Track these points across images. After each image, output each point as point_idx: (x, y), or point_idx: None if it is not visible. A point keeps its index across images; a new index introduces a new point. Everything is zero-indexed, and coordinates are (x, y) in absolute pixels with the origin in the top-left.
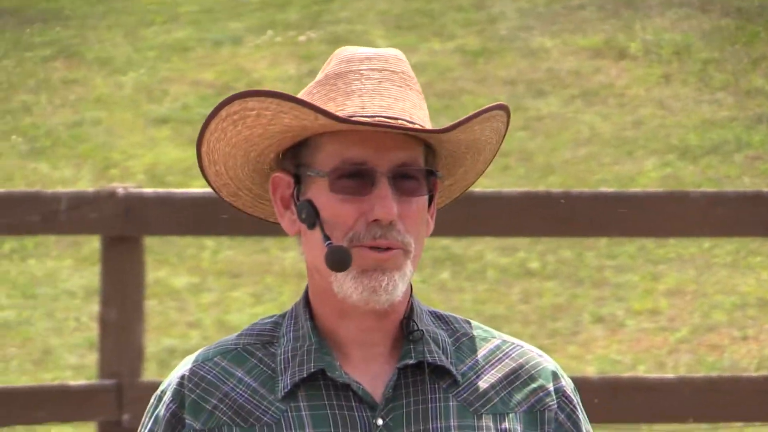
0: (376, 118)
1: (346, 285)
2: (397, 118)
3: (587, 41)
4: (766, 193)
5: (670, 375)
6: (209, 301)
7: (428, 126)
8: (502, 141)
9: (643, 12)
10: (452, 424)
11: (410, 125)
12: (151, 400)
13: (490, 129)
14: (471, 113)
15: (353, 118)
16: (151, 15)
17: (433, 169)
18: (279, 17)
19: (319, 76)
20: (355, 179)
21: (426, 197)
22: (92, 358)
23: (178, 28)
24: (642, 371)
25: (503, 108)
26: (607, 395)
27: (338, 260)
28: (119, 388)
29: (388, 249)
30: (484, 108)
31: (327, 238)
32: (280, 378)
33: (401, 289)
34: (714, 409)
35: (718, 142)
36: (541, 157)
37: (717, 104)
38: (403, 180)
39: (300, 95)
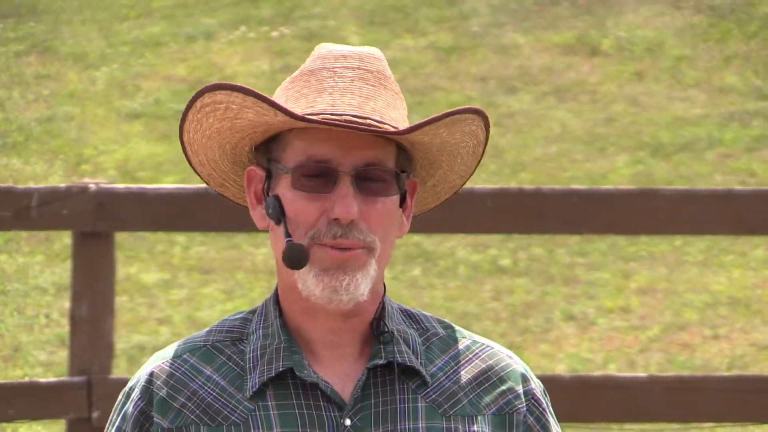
0: (344, 117)
1: (308, 282)
2: (365, 117)
3: (559, 38)
4: (737, 191)
5: (641, 374)
6: (180, 297)
7: (402, 126)
8: (484, 145)
9: (615, 9)
10: (420, 425)
11: (377, 125)
12: (120, 397)
13: (460, 132)
14: (433, 116)
15: (319, 116)
16: (125, 10)
17: (399, 170)
18: (252, 13)
19: (296, 72)
20: (319, 177)
21: (395, 197)
22: (62, 355)
23: (151, 23)
24: (613, 370)
25: (475, 111)
26: (578, 394)
27: (294, 258)
28: (89, 385)
29: (348, 248)
30: (446, 112)
31: (288, 234)
32: (248, 376)
33: (364, 289)
34: (685, 409)
35: (690, 139)
36: (513, 153)
37: (689, 101)
38: (367, 180)
39: (277, 91)
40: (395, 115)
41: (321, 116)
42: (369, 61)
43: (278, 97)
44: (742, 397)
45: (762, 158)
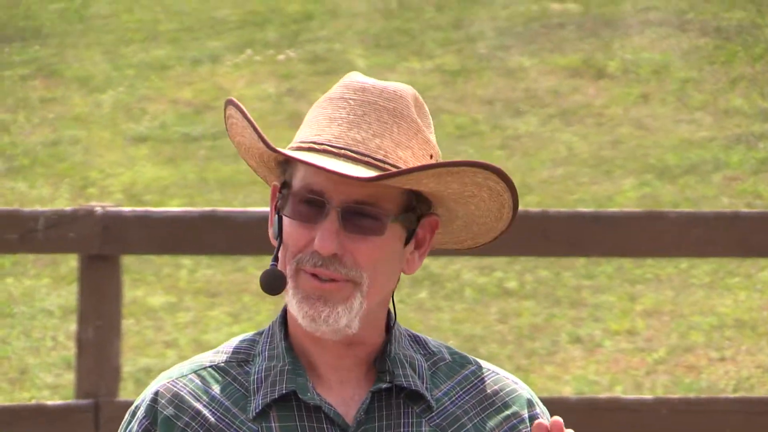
0: (343, 151)
1: (293, 307)
2: (365, 155)
3: (565, 60)
4: (743, 214)
5: (647, 396)
6: (186, 320)
7: (413, 165)
8: (512, 209)
9: (621, 31)
10: None
11: (376, 163)
12: (126, 416)
13: (458, 183)
14: (412, 167)
15: (320, 146)
16: (131, 33)
17: (405, 209)
18: (258, 36)
19: (322, 96)
20: (311, 207)
21: (384, 238)
22: (69, 378)
23: (157, 46)
24: (619, 392)
25: (467, 164)
26: (585, 416)
27: (269, 283)
28: (96, 408)
29: (331, 280)
30: (425, 164)
31: (275, 258)
32: (252, 398)
33: (347, 321)
34: (691, 430)
35: (696, 162)
36: (519, 176)
37: (695, 124)
38: (356, 216)
39: (310, 109)
40: (405, 155)
41: (322, 146)
42: (389, 98)
43: (306, 117)
44: (749, 419)
45: None
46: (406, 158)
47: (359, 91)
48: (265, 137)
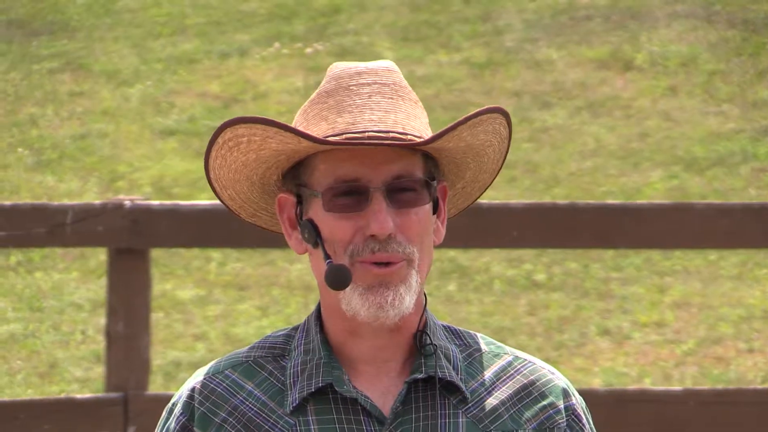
0: (366, 133)
1: (354, 302)
2: (387, 131)
3: (593, 53)
4: None
5: (676, 387)
6: (215, 313)
7: (425, 134)
8: (508, 142)
9: (649, 23)
10: None
11: (400, 137)
12: (163, 413)
13: (484, 132)
14: (455, 122)
15: (341, 136)
16: (159, 27)
17: (430, 178)
18: (286, 29)
19: (314, 94)
20: (350, 196)
21: (428, 206)
22: (98, 371)
23: (185, 40)
24: (648, 383)
25: (494, 110)
26: (614, 408)
27: (337, 279)
28: (125, 401)
29: (389, 264)
30: (466, 116)
31: (327, 256)
32: (289, 392)
33: (408, 302)
34: (720, 422)
35: (724, 154)
36: (547, 168)
37: (723, 116)
38: (399, 192)
39: (297, 115)
40: (417, 125)
41: (343, 136)
42: (384, 75)
43: (298, 121)
44: None
45: None
46: (419, 127)
47: (354, 76)
48: (309, 133)
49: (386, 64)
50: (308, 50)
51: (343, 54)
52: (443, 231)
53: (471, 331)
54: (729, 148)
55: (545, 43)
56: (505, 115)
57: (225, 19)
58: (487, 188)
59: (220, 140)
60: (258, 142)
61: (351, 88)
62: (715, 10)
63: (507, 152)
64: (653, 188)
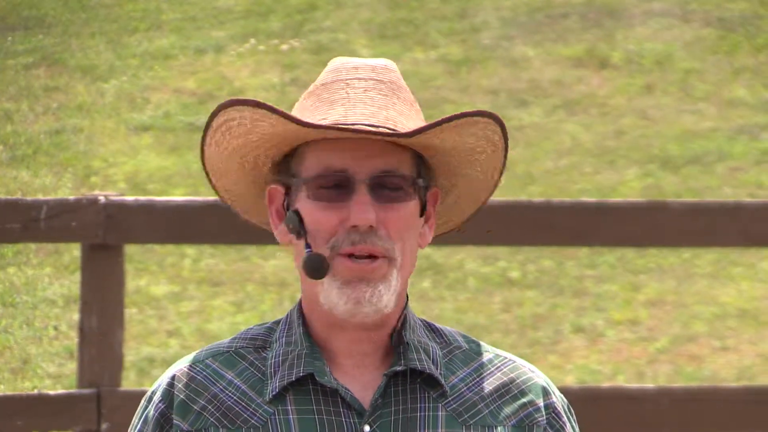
0: (356, 126)
1: (332, 296)
2: (378, 126)
3: (569, 51)
4: (746, 204)
5: (649, 385)
6: (189, 309)
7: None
8: (504, 151)
9: (625, 21)
10: None
11: (391, 133)
12: (142, 401)
13: (473, 136)
14: (444, 117)
15: (329, 126)
16: (134, 23)
17: (416, 176)
18: (261, 26)
19: (312, 85)
20: (335, 187)
21: (412, 204)
22: (71, 367)
23: (160, 36)
24: (622, 381)
25: (485, 114)
26: (587, 405)
27: (314, 267)
28: (98, 397)
29: (370, 258)
30: (455, 114)
31: (308, 246)
32: (269, 381)
33: (387, 300)
34: (694, 420)
35: (700, 152)
36: (523, 166)
37: (698, 114)
38: (384, 187)
39: (295, 106)
40: (409, 124)
41: (334, 126)
42: (381, 72)
43: (294, 112)
44: (750, 409)
45: None
46: (411, 126)
47: (352, 70)
48: (295, 116)
49: (385, 62)
50: (284, 47)
51: (319, 51)
52: (430, 237)
53: (451, 329)
54: (704, 146)
55: (521, 41)
56: (500, 123)
57: (201, 15)
58: (483, 203)
59: (214, 124)
60: (248, 126)
61: (348, 81)
62: (691, 9)
63: (504, 165)
64: (628, 186)
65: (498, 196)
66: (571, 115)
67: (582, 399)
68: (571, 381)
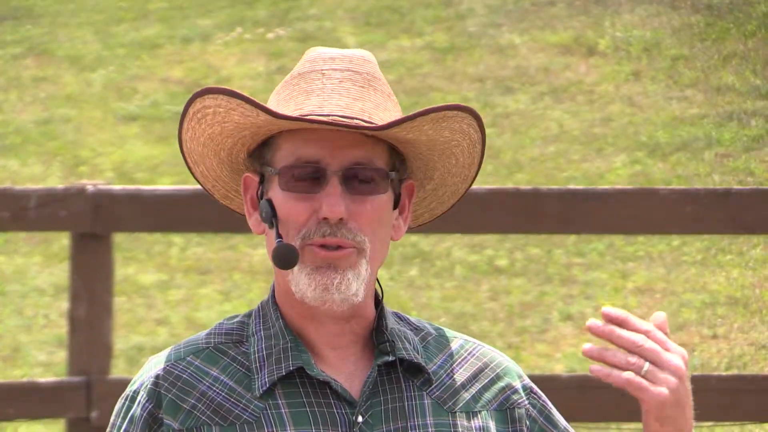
0: (330, 117)
1: (301, 283)
2: (352, 118)
3: (556, 38)
4: (735, 191)
5: None
6: (177, 298)
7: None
8: (480, 145)
9: (612, 8)
10: (429, 421)
11: (365, 125)
12: (121, 401)
13: (448, 130)
14: (416, 111)
15: (304, 117)
16: (121, 12)
17: (392, 170)
18: (248, 14)
19: (288, 75)
20: (307, 177)
21: (384, 197)
22: (61, 355)
23: (147, 25)
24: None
25: (460, 108)
26: (576, 393)
27: (283, 258)
28: (88, 385)
29: (339, 248)
30: (428, 108)
31: (279, 235)
32: (256, 376)
33: (355, 288)
34: None
35: (688, 139)
36: (510, 153)
37: (687, 101)
38: (356, 179)
39: (271, 95)
40: (385, 116)
41: (308, 117)
42: (358, 63)
43: (270, 101)
44: (741, 397)
45: (760, 158)
46: (386, 118)
47: (329, 60)
48: (267, 107)
49: (363, 53)
50: (270, 35)
51: (306, 39)
52: (404, 229)
53: (415, 317)
54: (693, 133)
55: (508, 29)
56: (476, 117)
57: (187, 5)
58: (462, 196)
59: (191, 111)
60: (222, 114)
61: (324, 72)
62: None
63: (482, 158)
64: (616, 173)
65: (485, 184)
66: (559, 102)
67: (571, 387)
68: (560, 369)
